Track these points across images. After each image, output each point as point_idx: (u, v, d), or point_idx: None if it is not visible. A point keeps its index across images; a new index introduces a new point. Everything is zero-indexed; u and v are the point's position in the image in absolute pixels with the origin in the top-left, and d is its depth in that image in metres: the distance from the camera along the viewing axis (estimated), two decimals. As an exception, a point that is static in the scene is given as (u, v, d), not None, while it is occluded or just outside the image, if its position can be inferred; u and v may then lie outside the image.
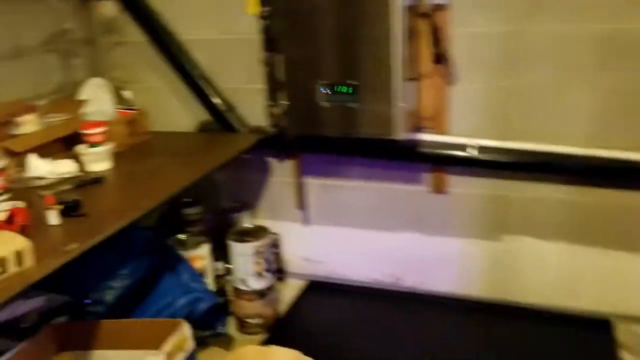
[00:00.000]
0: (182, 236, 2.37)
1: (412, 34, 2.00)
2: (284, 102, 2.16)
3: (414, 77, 2.08)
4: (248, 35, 2.31)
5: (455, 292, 2.40)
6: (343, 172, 2.42)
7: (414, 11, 2.00)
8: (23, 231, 1.49)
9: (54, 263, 1.37)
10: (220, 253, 2.41)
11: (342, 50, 2.00)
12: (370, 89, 1.99)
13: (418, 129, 2.18)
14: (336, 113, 2.05)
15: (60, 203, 1.65)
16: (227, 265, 2.46)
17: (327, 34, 2.00)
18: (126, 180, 1.97)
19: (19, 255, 1.34)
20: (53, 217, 1.59)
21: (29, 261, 1.36)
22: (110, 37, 2.57)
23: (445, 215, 2.33)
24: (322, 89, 2.04)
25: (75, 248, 1.44)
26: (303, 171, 2.46)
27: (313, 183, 2.49)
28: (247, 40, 2.33)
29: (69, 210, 1.65)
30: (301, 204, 2.50)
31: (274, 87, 2.28)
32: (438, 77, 2.12)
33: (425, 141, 2.17)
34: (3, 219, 1.53)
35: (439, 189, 2.30)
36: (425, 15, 2.04)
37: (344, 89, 2.01)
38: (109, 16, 2.54)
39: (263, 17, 2.19)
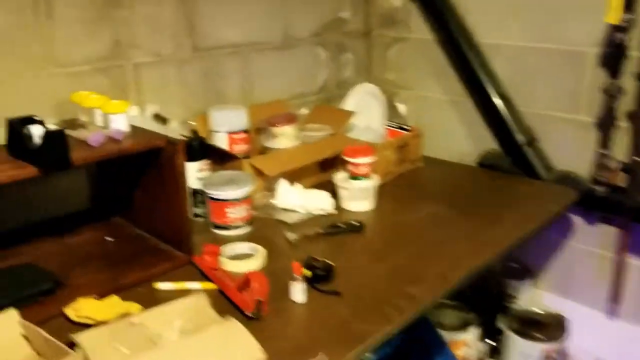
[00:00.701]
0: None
1: None
2: (635, 157, 1.43)
3: None
4: (577, 47, 1.71)
5: None
6: (694, 262, 1.63)
7: None
8: (257, 309, 1.09)
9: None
10: (484, 326, 1.83)
11: None
12: None
13: None
14: None
15: (308, 267, 1.22)
16: (491, 342, 1.87)
17: None
18: (391, 235, 1.45)
19: (245, 374, 0.91)
20: (298, 293, 1.16)
21: (257, 383, 0.92)
22: (389, 30, 2.16)
23: None
24: None
25: (321, 366, 0.97)
26: (629, 247, 1.71)
27: (638, 265, 1.74)
28: (574, 53, 1.73)
29: (318, 279, 1.22)
30: (617, 291, 1.75)
31: (612, 127, 1.58)
32: None
33: None
34: (237, 279, 1.14)
35: None
36: None
37: None
38: (393, 5, 2.08)
39: (618, 27, 1.49)
